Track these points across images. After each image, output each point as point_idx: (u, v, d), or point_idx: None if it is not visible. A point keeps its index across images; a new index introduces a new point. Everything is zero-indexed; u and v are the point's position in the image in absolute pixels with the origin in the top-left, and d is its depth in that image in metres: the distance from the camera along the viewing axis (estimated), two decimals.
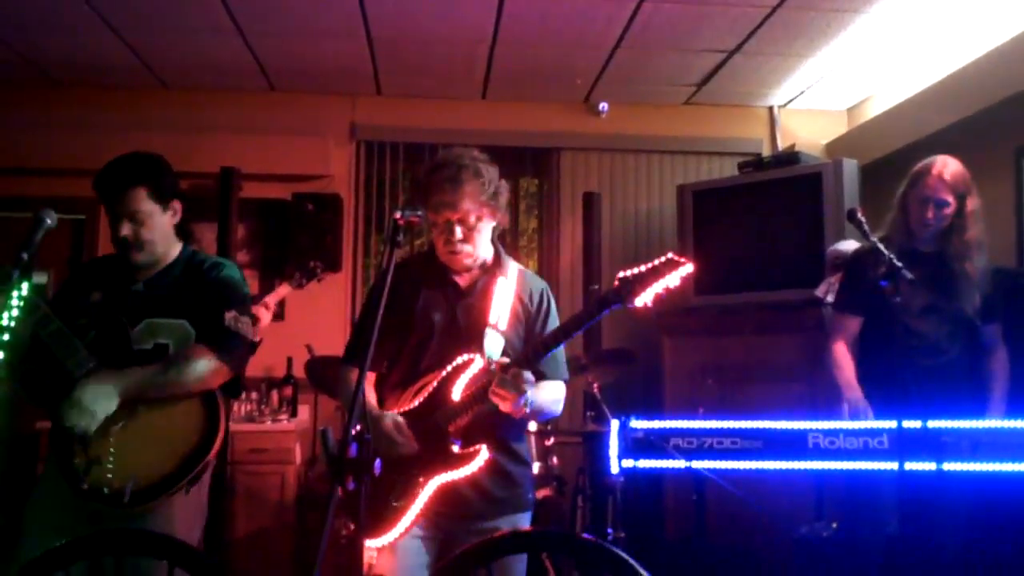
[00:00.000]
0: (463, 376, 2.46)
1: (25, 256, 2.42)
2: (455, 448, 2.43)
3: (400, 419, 2.44)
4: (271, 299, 3.93)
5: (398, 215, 2.17)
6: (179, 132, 5.70)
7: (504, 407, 2.36)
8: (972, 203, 3.40)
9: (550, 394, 2.56)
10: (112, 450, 2.55)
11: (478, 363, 2.46)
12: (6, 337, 2.54)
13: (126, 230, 2.70)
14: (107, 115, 5.70)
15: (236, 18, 4.76)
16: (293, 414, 5.42)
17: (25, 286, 2.52)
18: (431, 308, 2.56)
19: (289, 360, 5.46)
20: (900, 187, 3.52)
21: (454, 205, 2.47)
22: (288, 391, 5.48)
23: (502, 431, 2.54)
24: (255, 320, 2.84)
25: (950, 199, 3.36)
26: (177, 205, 2.85)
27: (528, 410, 2.40)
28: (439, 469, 2.42)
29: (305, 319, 5.60)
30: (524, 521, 2.61)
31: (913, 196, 3.43)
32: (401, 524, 2.40)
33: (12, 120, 5.58)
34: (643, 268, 2.31)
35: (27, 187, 5.57)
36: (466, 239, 2.51)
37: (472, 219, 2.50)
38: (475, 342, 2.50)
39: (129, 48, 5.20)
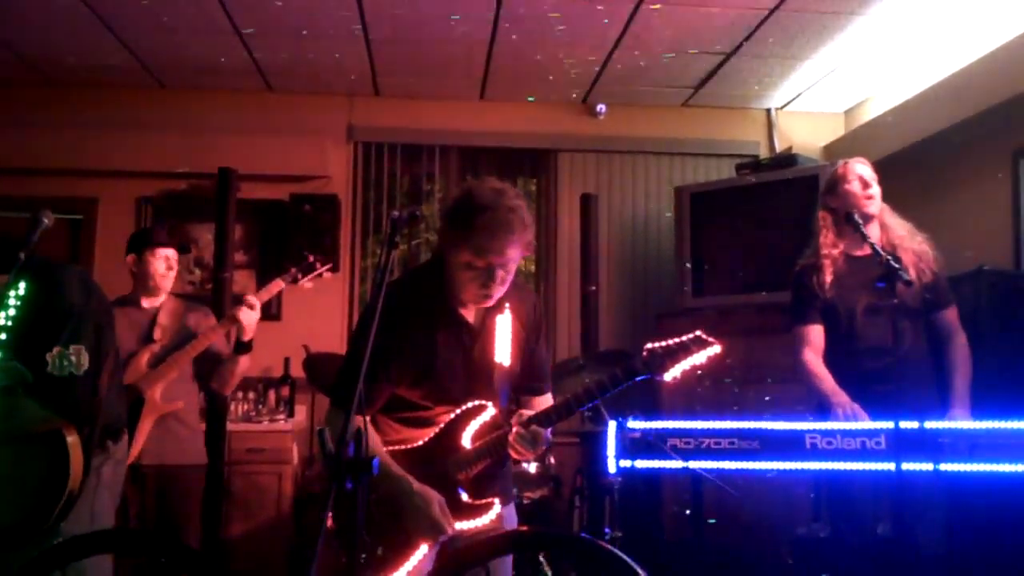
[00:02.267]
0: (473, 423, 2.43)
1: (23, 256, 2.41)
2: (464, 497, 2.40)
3: (430, 496, 2.31)
4: (262, 296, 3.91)
5: (396, 215, 2.14)
6: (177, 133, 5.72)
7: (520, 459, 2.38)
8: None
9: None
10: None
11: (490, 411, 2.44)
12: (3, 337, 2.52)
13: None
14: (105, 115, 5.71)
15: (234, 19, 4.76)
16: (290, 414, 5.41)
17: (22, 286, 2.52)
18: (450, 354, 2.44)
19: (286, 360, 5.46)
20: (818, 206, 3.63)
21: (502, 252, 2.32)
22: (285, 391, 5.48)
23: (516, 469, 2.55)
24: (91, 346, 2.58)
25: (872, 176, 3.47)
26: None
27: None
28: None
29: (302, 319, 5.60)
30: (509, 511, 2.59)
31: (843, 187, 3.48)
32: (406, 566, 2.32)
33: (9, 120, 5.59)
34: (672, 343, 2.35)
35: (25, 187, 5.56)
36: (502, 281, 2.39)
37: (512, 263, 2.38)
38: (487, 384, 2.47)
39: (127, 49, 5.19)
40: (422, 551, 2.33)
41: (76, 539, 1.94)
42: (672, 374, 2.33)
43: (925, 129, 4.90)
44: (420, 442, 2.45)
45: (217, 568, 1.83)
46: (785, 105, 6.14)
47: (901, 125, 5.18)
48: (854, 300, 3.36)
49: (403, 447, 2.46)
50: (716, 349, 2.33)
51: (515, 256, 2.38)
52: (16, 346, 2.51)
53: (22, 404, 2.49)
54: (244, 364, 3.91)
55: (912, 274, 3.31)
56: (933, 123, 4.85)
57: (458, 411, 2.44)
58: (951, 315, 3.47)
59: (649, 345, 2.35)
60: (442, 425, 2.44)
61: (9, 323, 2.50)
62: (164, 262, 3.89)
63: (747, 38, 4.96)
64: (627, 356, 4.67)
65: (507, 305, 2.53)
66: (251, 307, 3.77)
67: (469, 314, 2.50)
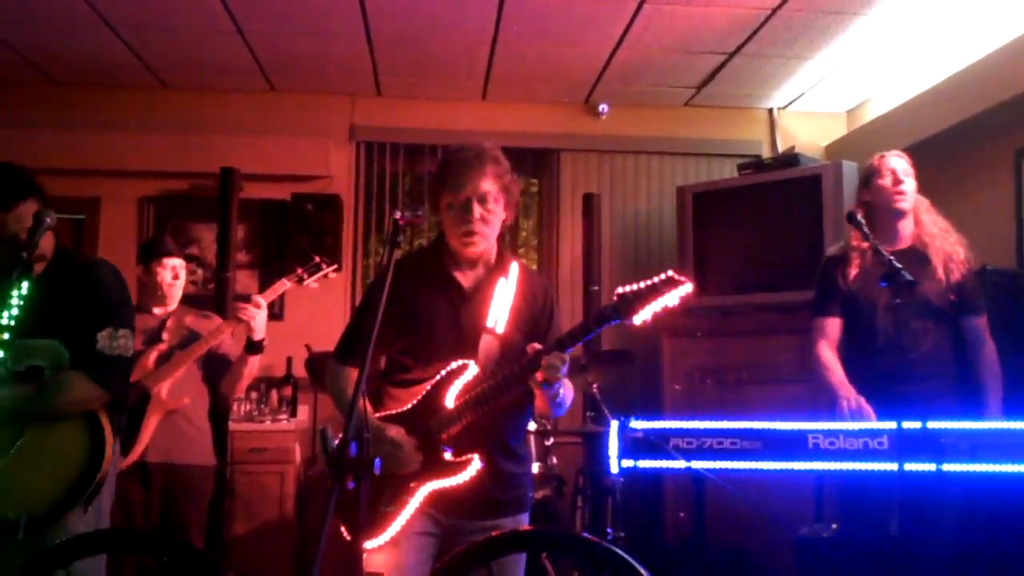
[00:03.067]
0: (457, 382, 2.44)
1: (25, 255, 2.42)
2: (447, 456, 2.42)
3: (402, 436, 2.41)
4: (267, 296, 3.92)
5: (398, 215, 2.16)
6: (179, 132, 5.73)
7: (542, 391, 2.35)
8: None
9: (569, 389, 2.55)
10: (2, 481, 2.51)
11: (473, 369, 2.44)
12: (6, 336, 2.53)
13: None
14: (107, 115, 5.72)
15: (236, 18, 4.76)
16: (292, 414, 5.42)
17: (25, 285, 2.52)
18: (433, 310, 2.53)
19: (289, 360, 5.47)
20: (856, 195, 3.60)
21: (475, 183, 2.46)
22: (287, 391, 5.48)
23: (500, 434, 2.53)
24: (134, 331, 2.75)
25: (908, 169, 3.45)
26: (24, 207, 2.60)
27: (559, 399, 2.41)
28: (431, 476, 2.41)
29: (304, 319, 5.60)
30: (523, 521, 2.60)
31: (877, 182, 3.47)
32: (392, 528, 2.39)
33: (12, 119, 5.59)
34: (642, 285, 2.29)
35: None
36: (484, 220, 2.48)
37: (490, 199, 2.48)
38: (474, 346, 2.48)
39: (129, 48, 5.20)
40: (413, 505, 2.38)
41: (80, 538, 1.95)
42: (642, 317, 2.27)
43: (927, 128, 4.91)
44: (409, 405, 2.49)
45: (220, 568, 1.83)
46: (787, 105, 6.14)
47: (903, 125, 5.18)
48: (876, 295, 3.28)
49: (393, 411, 2.50)
50: (687, 288, 2.27)
51: (491, 190, 2.48)
52: (57, 330, 2.59)
53: (67, 378, 2.56)
54: (254, 365, 3.92)
55: (940, 274, 3.30)
56: (935, 123, 4.86)
57: (443, 372, 2.45)
58: (980, 322, 3.40)
59: (620, 289, 2.30)
60: (428, 387, 2.46)
61: (12, 323, 2.51)
62: (171, 272, 3.92)
63: (749, 38, 4.96)
64: (630, 356, 4.71)
65: (513, 276, 2.57)
66: (257, 306, 3.77)
67: (465, 279, 2.57)
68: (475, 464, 2.40)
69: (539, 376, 2.30)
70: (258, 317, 3.77)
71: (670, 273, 2.30)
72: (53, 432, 2.57)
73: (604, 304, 2.39)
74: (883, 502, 3.26)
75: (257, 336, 3.81)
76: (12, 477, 2.51)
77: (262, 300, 3.81)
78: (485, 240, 2.53)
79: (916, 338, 3.30)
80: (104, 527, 2.72)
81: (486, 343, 2.48)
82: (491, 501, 2.49)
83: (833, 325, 3.50)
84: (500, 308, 2.53)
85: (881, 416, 3.10)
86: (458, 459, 2.41)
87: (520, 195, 2.68)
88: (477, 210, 2.46)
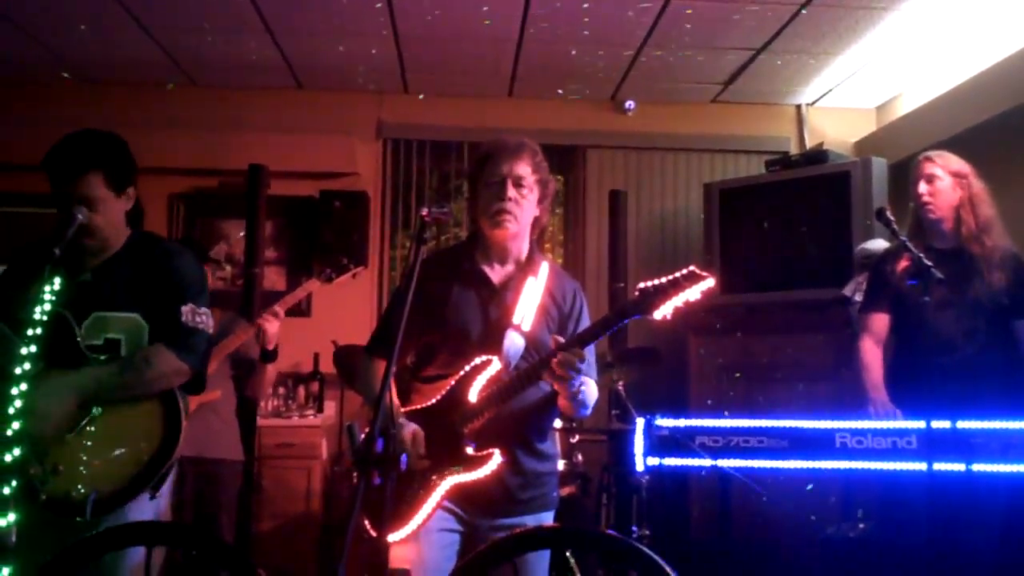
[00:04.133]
0: (480, 377, 2.45)
1: (58, 252, 2.44)
2: (469, 450, 2.42)
3: (419, 431, 2.41)
4: (292, 298, 3.96)
5: (425, 211, 2.16)
6: (207, 130, 5.77)
7: (560, 387, 2.35)
8: (975, 184, 3.40)
9: (592, 390, 2.55)
10: (71, 457, 2.39)
11: (496, 365, 2.45)
12: (39, 331, 2.54)
13: (79, 214, 2.50)
14: (136, 113, 5.76)
15: (265, 16, 4.80)
16: (319, 409, 5.45)
17: (57, 281, 2.55)
18: (463, 305, 2.53)
19: (316, 356, 5.50)
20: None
21: (512, 166, 2.50)
22: (314, 387, 5.52)
23: (522, 431, 2.53)
24: (212, 312, 2.68)
25: (939, 172, 3.38)
26: (132, 191, 2.65)
27: (581, 397, 2.41)
28: (453, 470, 2.42)
29: (331, 315, 5.63)
30: (548, 519, 2.60)
31: (913, 188, 3.44)
32: (414, 521, 2.39)
33: (42, 118, 5.64)
34: (664, 280, 2.28)
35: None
36: (516, 201, 2.49)
37: (525, 184, 2.50)
38: (500, 342, 2.49)
39: (158, 46, 5.25)
40: (435, 499, 2.38)
41: (108, 531, 1.97)
42: (663, 312, 2.26)
43: (958, 125, 4.84)
44: (433, 400, 2.50)
45: (248, 562, 1.85)
46: (816, 101, 6.09)
47: (934, 121, 5.12)
48: (921, 295, 3.19)
49: (419, 406, 2.51)
50: (710, 283, 2.26)
51: (525, 174, 2.51)
52: (137, 304, 2.53)
53: (151, 351, 2.49)
54: (272, 373, 4.00)
55: (987, 275, 3.25)
56: (966, 119, 4.79)
57: (467, 367, 2.46)
58: None
59: (641, 284, 2.30)
60: (452, 382, 2.47)
61: (45, 317, 2.52)
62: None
63: (777, 33, 4.93)
64: (656, 354, 4.69)
65: (543, 276, 2.58)
66: (275, 315, 3.81)
67: (495, 275, 2.58)
68: (496, 459, 2.40)
69: (556, 370, 2.30)
70: (270, 329, 3.81)
71: (692, 268, 2.29)
72: (127, 409, 2.46)
73: (625, 299, 2.39)
74: (912, 502, 3.23)
75: (270, 344, 3.86)
76: (80, 455, 2.40)
77: (280, 310, 3.85)
78: (516, 223, 2.52)
79: (966, 338, 3.26)
80: (165, 518, 2.65)
81: (511, 339, 2.49)
82: (513, 498, 2.49)
83: (879, 321, 3.47)
84: (528, 305, 2.54)
85: (927, 414, 3.05)
86: (479, 453, 2.42)
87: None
88: (511, 191, 2.48)
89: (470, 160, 2.56)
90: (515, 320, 2.51)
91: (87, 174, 2.54)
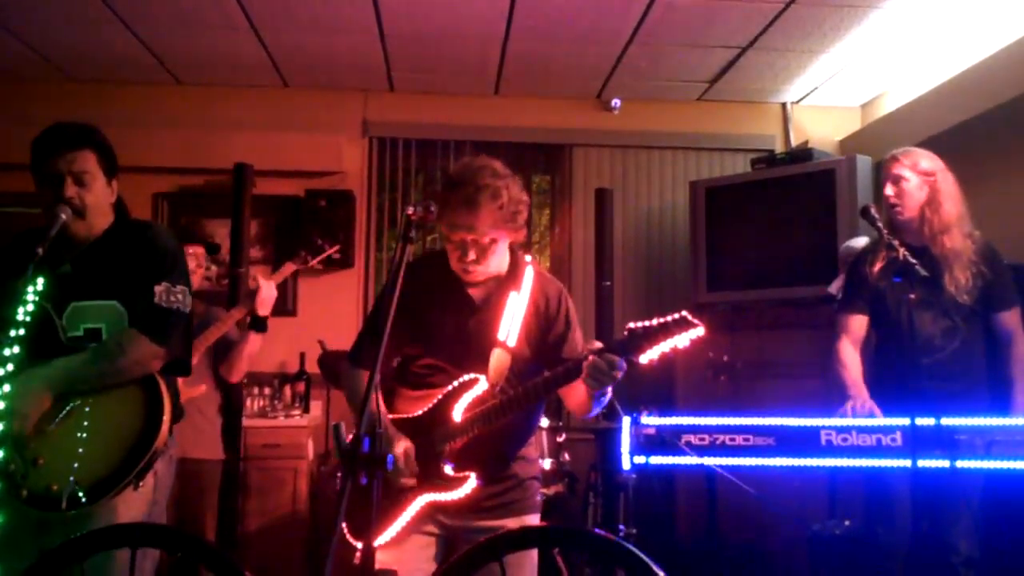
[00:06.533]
0: (465, 396, 2.44)
1: (40, 251, 2.42)
2: (447, 469, 2.41)
3: (411, 449, 2.38)
4: (276, 278, 3.96)
5: (411, 211, 2.14)
6: (192, 128, 5.74)
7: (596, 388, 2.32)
8: (943, 182, 3.39)
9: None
10: (51, 450, 2.35)
11: (482, 385, 2.44)
12: (22, 332, 2.51)
13: (71, 191, 2.50)
14: (120, 111, 5.71)
15: (249, 14, 4.78)
16: (306, 410, 5.43)
17: (40, 281, 2.52)
18: (444, 319, 2.51)
19: (302, 356, 5.48)
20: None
21: (470, 227, 2.39)
22: (301, 387, 5.49)
23: (503, 451, 2.52)
24: (191, 290, 2.63)
25: (906, 172, 3.38)
26: (115, 185, 2.64)
27: (605, 398, 2.40)
28: (428, 488, 2.41)
29: (317, 315, 5.62)
30: (531, 521, 2.59)
31: (882, 189, 3.46)
32: (393, 527, 2.39)
33: (26, 116, 5.57)
34: (654, 323, 2.23)
35: None
36: (478, 260, 2.44)
37: (486, 240, 2.42)
38: (484, 359, 2.47)
39: (143, 44, 5.22)
40: (407, 516, 2.38)
41: (96, 532, 1.95)
42: (649, 357, 2.23)
43: (942, 123, 4.86)
44: (418, 412, 2.49)
45: (233, 563, 1.84)
46: (801, 99, 6.11)
47: (918, 119, 5.14)
48: (906, 292, 3.18)
49: (403, 416, 2.51)
50: (699, 331, 2.22)
51: (487, 232, 2.41)
52: (115, 291, 2.50)
53: (122, 337, 2.45)
54: (255, 344, 3.94)
55: (957, 273, 3.24)
56: (950, 116, 4.81)
57: (453, 384, 2.45)
58: (1010, 318, 3.32)
59: (630, 325, 2.26)
60: (437, 398, 2.47)
61: (28, 319, 2.50)
62: (194, 260, 3.95)
63: (763, 32, 4.94)
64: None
65: (526, 286, 2.55)
66: (268, 278, 3.86)
67: (477, 291, 2.54)
68: (471, 482, 2.40)
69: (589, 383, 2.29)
70: (264, 290, 3.80)
71: (684, 313, 2.24)
72: (106, 397, 2.41)
73: (612, 340, 2.36)
74: (897, 498, 3.25)
75: (262, 311, 3.83)
76: (59, 446, 2.35)
77: (262, 280, 3.88)
78: (485, 271, 2.50)
79: (945, 337, 3.26)
80: (159, 518, 2.59)
81: (497, 358, 2.47)
82: (496, 502, 2.49)
83: (857, 322, 3.48)
84: (512, 321, 2.51)
85: (911, 413, 3.06)
86: (456, 475, 2.41)
87: (528, 190, 2.65)
88: (472, 253, 2.43)
89: (434, 191, 2.46)
90: (500, 336, 2.48)
91: (82, 149, 2.57)
